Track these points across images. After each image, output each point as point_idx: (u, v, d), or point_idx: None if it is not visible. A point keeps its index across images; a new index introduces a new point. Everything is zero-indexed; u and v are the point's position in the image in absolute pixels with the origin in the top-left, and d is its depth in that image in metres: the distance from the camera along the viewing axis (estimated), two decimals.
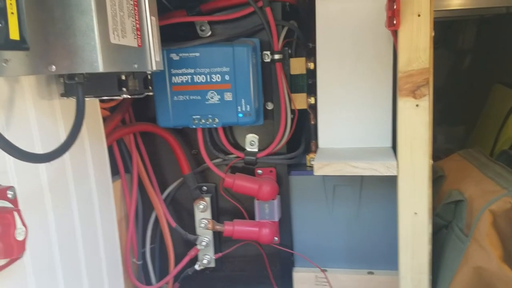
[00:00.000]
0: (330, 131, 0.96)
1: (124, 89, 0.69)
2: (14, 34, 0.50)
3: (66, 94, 0.70)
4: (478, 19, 1.93)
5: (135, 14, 0.69)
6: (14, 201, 0.57)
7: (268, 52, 0.95)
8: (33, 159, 0.55)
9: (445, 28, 2.00)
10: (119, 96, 0.69)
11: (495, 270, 0.78)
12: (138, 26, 0.69)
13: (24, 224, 0.55)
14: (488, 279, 0.80)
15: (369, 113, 0.94)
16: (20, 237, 0.54)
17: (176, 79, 0.91)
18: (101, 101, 0.88)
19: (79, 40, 0.58)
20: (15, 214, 0.54)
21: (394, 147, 0.92)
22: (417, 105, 0.78)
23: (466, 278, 0.82)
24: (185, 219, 1.07)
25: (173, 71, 0.90)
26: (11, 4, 0.50)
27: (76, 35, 0.58)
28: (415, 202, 0.82)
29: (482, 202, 0.81)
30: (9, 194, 0.56)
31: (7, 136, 0.51)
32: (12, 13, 0.50)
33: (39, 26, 0.58)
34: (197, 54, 0.89)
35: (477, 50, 1.98)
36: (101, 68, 0.58)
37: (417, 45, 0.77)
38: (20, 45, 0.51)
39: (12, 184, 0.61)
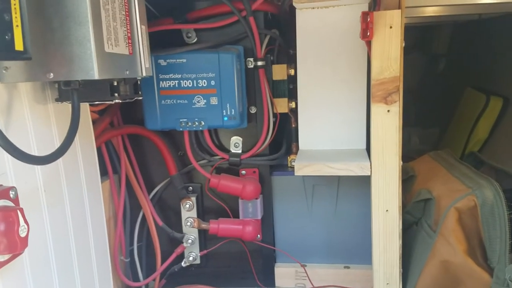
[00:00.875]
0: (309, 134, 1.02)
1: (116, 94, 0.73)
2: (18, 45, 0.54)
3: (60, 99, 0.74)
4: (452, 25, 2.01)
5: (127, 24, 0.73)
6: (15, 200, 0.61)
7: (252, 59, 1.00)
8: (35, 161, 0.59)
9: (420, 33, 2.07)
10: (111, 101, 0.73)
11: (460, 263, 0.85)
12: (129, 34, 0.74)
13: (26, 222, 0.59)
14: (453, 271, 0.86)
15: (345, 117, 1.00)
16: (23, 234, 0.58)
17: (163, 84, 0.95)
18: (91, 104, 0.92)
19: (76, 49, 0.62)
20: (18, 212, 0.58)
21: (368, 149, 0.98)
22: (388, 111, 0.85)
23: (434, 271, 0.89)
24: (171, 218, 1.12)
25: (161, 76, 0.95)
26: (16, 17, 0.54)
27: (73, 45, 0.62)
28: (386, 200, 0.88)
29: (449, 200, 0.88)
30: (11, 193, 0.60)
31: None
32: (17, 25, 0.54)
33: (38, 36, 0.61)
34: (184, 60, 0.94)
35: (450, 55, 2.06)
36: (96, 76, 0.63)
37: (389, 55, 0.83)
38: (24, 55, 0.55)
39: (10, 184, 0.64)
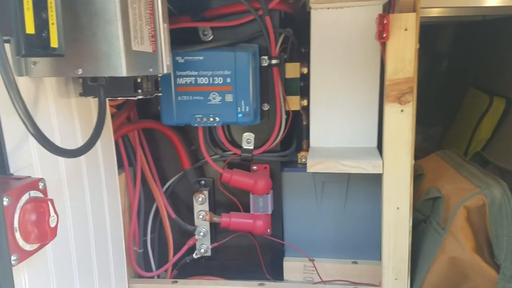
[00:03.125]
0: (321, 131, 1.04)
1: (139, 90, 0.75)
2: (53, 42, 0.56)
3: (84, 94, 0.76)
4: (456, 25, 2.03)
5: (151, 22, 0.75)
6: (44, 191, 0.63)
7: (266, 57, 1.02)
8: (67, 154, 0.61)
9: (424, 32, 2.09)
10: (135, 97, 0.75)
11: (468, 259, 0.88)
12: (153, 33, 0.75)
13: (56, 212, 0.61)
14: (461, 267, 0.89)
15: (357, 115, 1.02)
16: (53, 224, 0.60)
17: (180, 81, 0.97)
18: (109, 99, 0.94)
19: (104, 47, 0.64)
20: (49, 203, 0.60)
21: (379, 147, 1.00)
22: (402, 110, 0.87)
23: (442, 267, 0.91)
24: (184, 210, 1.14)
25: (178, 73, 0.97)
26: (51, 15, 0.56)
27: (102, 42, 0.64)
28: (397, 198, 0.90)
29: (458, 199, 0.90)
30: (40, 185, 0.62)
31: None
32: (53, 23, 0.56)
33: (68, 33, 0.63)
34: (201, 58, 0.96)
35: (453, 54, 2.08)
36: (124, 73, 0.65)
37: (404, 57, 0.85)
38: (58, 52, 0.57)
39: (37, 176, 0.66)
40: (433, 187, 1.00)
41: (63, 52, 0.58)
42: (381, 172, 0.90)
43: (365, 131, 1.02)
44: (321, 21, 0.99)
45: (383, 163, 0.90)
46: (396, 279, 0.94)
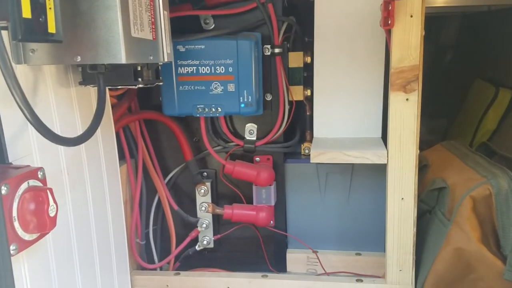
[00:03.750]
0: (324, 122, 1.03)
1: (139, 79, 0.74)
2: (51, 28, 0.55)
3: (84, 82, 0.75)
4: (461, 16, 2.01)
5: (151, 9, 0.73)
6: (43, 181, 0.62)
7: (269, 46, 1.00)
8: (66, 142, 0.60)
9: (428, 23, 2.07)
10: (135, 86, 0.74)
11: (474, 250, 0.87)
12: (153, 20, 0.74)
13: (55, 202, 0.60)
14: (467, 258, 0.88)
15: (361, 105, 1.00)
16: (52, 214, 0.59)
17: (182, 70, 0.96)
18: (110, 89, 0.93)
19: (104, 33, 0.63)
20: (48, 192, 0.59)
21: (383, 137, 0.99)
22: (407, 99, 0.85)
23: (447, 258, 0.90)
24: (186, 202, 1.13)
25: (179, 62, 0.95)
26: (49, 0, 0.54)
27: (101, 28, 0.63)
28: (402, 188, 0.89)
29: (464, 189, 0.89)
30: (39, 174, 0.61)
31: None
32: (50, 8, 0.54)
33: (66, 19, 0.62)
34: (203, 47, 0.94)
35: (458, 45, 2.06)
36: (124, 60, 0.63)
37: (409, 44, 0.83)
38: (55, 37, 0.56)
39: (36, 166, 0.65)
40: (438, 178, 0.99)
41: (61, 38, 0.56)
42: (385, 162, 0.89)
43: (369, 121, 1.01)
44: (325, 9, 0.98)
45: (387, 153, 0.88)
46: (400, 270, 0.94)
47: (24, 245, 0.58)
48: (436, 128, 2.06)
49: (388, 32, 0.86)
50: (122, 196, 0.97)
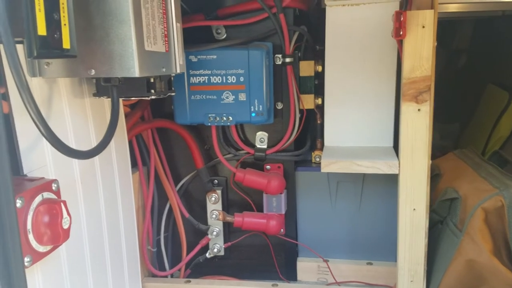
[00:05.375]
0: (335, 131, 1.03)
1: (152, 90, 0.75)
2: (66, 44, 0.56)
3: (98, 94, 0.75)
4: (474, 20, 1.99)
5: (164, 22, 0.74)
6: (57, 193, 0.63)
7: (280, 55, 1.00)
8: (80, 155, 0.61)
9: (441, 28, 2.05)
10: (148, 97, 0.75)
11: (486, 262, 0.86)
12: (166, 32, 0.75)
13: (68, 214, 0.61)
14: (479, 270, 0.87)
15: (372, 114, 1.00)
16: (65, 226, 0.60)
17: (194, 80, 0.96)
18: (123, 99, 0.94)
19: (117, 47, 0.64)
20: (62, 205, 0.60)
21: (395, 147, 0.99)
22: (419, 110, 0.85)
23: (459, 269, 0.89)
24: (197, 210, 1.13)
25: (191, 72, 0.96)
26: (64, 16, 0.55)
27: (114, 43, 0.64)
28: (414, 199, 0.89)
29: (476, 200, 0.88)
30: (53, 186, 0.62)
31: None
32: (65, 24, 0.55)
33: (80, 33, 0.63)
34: (214, 57, 0.95)
35: (471, 50, 2.04)
36: (137, 74, 0.64)
37: (421, 54, 0.83)
38: (70, 53, 0.57)
39: (50, 177, 0.67)
40: (450, 188, 0.98)
41: (75, 53, 0.57)
42: (397, 172, 0.89)
43: (380, 130, 1.00)
44: (336, 18, 0.97)
45: (399, 163, 0.88)
46: (411, 281, 0.93)
47: (38, 256, 0.59)
48: (449, 133, 2.04)
49: (400, 43, 0.86)
50: (134, 204, 0.98)
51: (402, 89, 0.85)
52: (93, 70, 0.65)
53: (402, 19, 0.81)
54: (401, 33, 0.82)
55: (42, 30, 0.51)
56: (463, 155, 1.13)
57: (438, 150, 1.23)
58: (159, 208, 1.11)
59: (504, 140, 1.58)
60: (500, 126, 1.60)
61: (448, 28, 2.02)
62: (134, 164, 1.05)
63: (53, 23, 0.53)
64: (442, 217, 0.99)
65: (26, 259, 0.56)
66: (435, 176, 1.09)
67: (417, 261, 0.92)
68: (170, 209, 1.12)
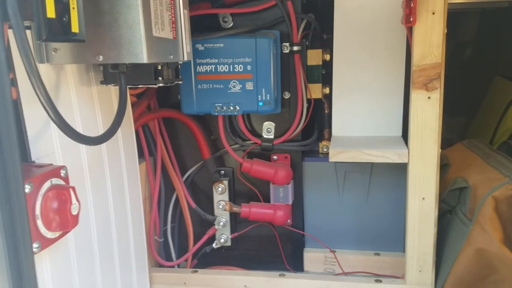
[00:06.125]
0: (343, 120, 1.02)
1: (159, 78, 0.74)
2: (74, 27, 0.55)
3: (105, 81, 0.75)
4: (480, 12, 1.98)
5: (171, 8, 0.73)
6: (66, 179, 0.62)
7: (287, 44, 0.99)
8: (89, 141, 0.60)
9: (447, 20, 2.03)
10: (155, 85, 0.74)
11: (496, 251, 0.85)
12: (173, 19, 0.74)
13: (77, 200, 0.60)
14: (488, 259, 0.86)
15: (381, 103, 0.99)
16: (74, 212, 0.60)
17: (200, 69, 0.96)
18: (130, 88, 0.93)
19: (126, 32, 0.63)
20: (71, 190, 0.59)
21: (404, 136, 0.98)
22: (429, 97, 0.84)
23: (469, 259, 0.89)
24: (203, 200, 1.13)
25: (198, 61, 0.95)
26: (72, 0, 0.55)
27: (122, 28, 0.63)
28: (423, 188, 0.88)
29: (486, 189, 0.87)
30: (62, 172, 0.62)
31: None
32: (73, 8, 0.55)
33: (89, 19, 0.62)
34: (221, 45, 0.94)
35: (478, 42, 2.02)
36: (145, 60, 0.64)
37: (431, 41, 0.82)
38: (78, 37, 0.56)
39: (58, 163, 0.66)
40: (459, 177, 0.97)
41: (83, 38, 0.57)
42: (406, 161, 0.88)
43: (389, 119, 0.99)
44: (345, 5, 0.97)
45: (408, 152, 0.87)
46: (420, 271, 0.92)
47: (47, 243, 0.59)
48: (455, 126, 2.03)
49: (410, 30, 0.85)
50: (141, 194, 0.97)
51: (412, 76, 0.84)
52: (101, 56, 0.64)
53: (412, 5, 0.80)
54: (411, 19, 0.81)
55: (51, 12, 0.51)
56: (472, 145, 1.12)
57: (444, 143, 1.22)
58: (166, 198, 1.11)
59: (511, 132, 1.57)
60: (507, 118, 1.58)
61: (454, 20, 2.00)
62: (140, 155, 1.04)
63: (61, 6, 0.53)
64: (451, 207, 0.99)
65: (35, 245, 0.56)
66: (444, 166, 1.08)
67: (426, 250, 0.91)
68: (177, 200, 1.12)
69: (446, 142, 1.26)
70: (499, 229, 0.85)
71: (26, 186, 0.55)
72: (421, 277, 0.93)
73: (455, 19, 2.00)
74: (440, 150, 0.86)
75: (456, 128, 2.03)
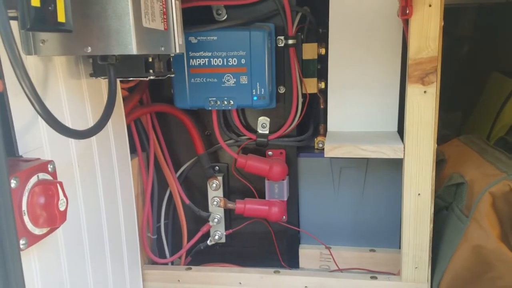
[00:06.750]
0: (339, 115, 1.00)
1: (150, 70, 0.72)
2: (61, 17, 0.53)
3: (95, 74, 0.73)
4: (478, 7, 1.97)
5: None
6: (53, 174, 0.61)
7: (282, 37, 0.98)
8: (75, 135, 0.59)
9: (444, 15, 2.02)
10: (146, 77, 0.73)
11: (493, 248, 0.84)
12: (164, 10, 0.72)
13: (65, 195, 0.59)
14: (485, 256, 0.85)
15: (377, 98, 0.98)
16: (62, 208, 0.58)
17: (193, 62, 0.94)
18: (121, 81, 0.91)
19: (114, 23, 0.61)
20: (58, 186, 0.58)
21: (399, 131, 0.97)
22: (425, 92, 0.83)
23: (465, 255, 0.88)
24: (197, 196, 1.12)
25: (191, 54, 0.94)
26: None
27: (112, 18, 0.61)
28: (419, 184, 0.87)
29: (483, 185, 0.86)
30: (49, 167, 0.60)
31: None
32: None
33: (76, 9, 0.60)
34: (215, 38, 0.93)
35: (475, 38, 2.01)
36: (135, 51, 0.62)
37: (427, 34, 0.81)
38: (65, 27, 0.54)
39: (46, 158, 0.65)
40: (456, 173, 0.96)
41: (71, 28, 0.55)
42: (402, 156, 0.87)
43: (385, 114, 0.98)
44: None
45: (404, 148, 0.86)
46: (416, 268, 0.91)
47: (34, 239, 0.57)
48: (451, 122, 2.02)
49: (406, 22, 0.83)
50: (134, 190, 0.96)
51: (408, 70, 0.83)
52: (89, 47, 0.62)
53: None
54: (407, 12, 0.79)
55: (35, 1, 0.49)
56: (469, 141, 1.11)
57: (440, 139, 1.21)
58: (159, 194, 1.09)
59: (508, 128, 1.56)
60: (504, 114, 1.58)
61: (451, 16, 1.99)
62: (133, 150, 1.03)
63: None
64: (447, 203, 0.98)
65: (22, 242, 0.55)
66: (440, 162, 1.07)
67: (422, 247, 0.90)
68: (170, 196, 1.10)
69: (443, 138, 1.25)
70: (496, 226, 0.84)
71: (12, 181, 0.54)
72: (417, 274, 0.92)
73: (452, 14, 1.99)
74: (436, 145, 0.85)
75: (453, 124, 2.02)
